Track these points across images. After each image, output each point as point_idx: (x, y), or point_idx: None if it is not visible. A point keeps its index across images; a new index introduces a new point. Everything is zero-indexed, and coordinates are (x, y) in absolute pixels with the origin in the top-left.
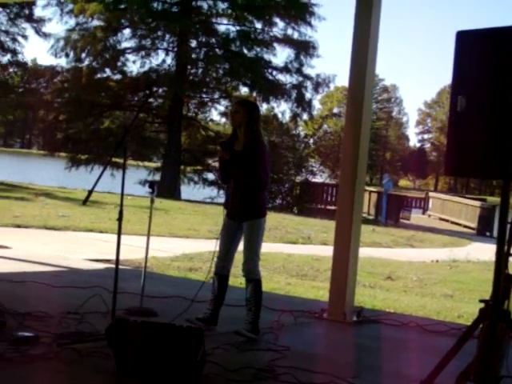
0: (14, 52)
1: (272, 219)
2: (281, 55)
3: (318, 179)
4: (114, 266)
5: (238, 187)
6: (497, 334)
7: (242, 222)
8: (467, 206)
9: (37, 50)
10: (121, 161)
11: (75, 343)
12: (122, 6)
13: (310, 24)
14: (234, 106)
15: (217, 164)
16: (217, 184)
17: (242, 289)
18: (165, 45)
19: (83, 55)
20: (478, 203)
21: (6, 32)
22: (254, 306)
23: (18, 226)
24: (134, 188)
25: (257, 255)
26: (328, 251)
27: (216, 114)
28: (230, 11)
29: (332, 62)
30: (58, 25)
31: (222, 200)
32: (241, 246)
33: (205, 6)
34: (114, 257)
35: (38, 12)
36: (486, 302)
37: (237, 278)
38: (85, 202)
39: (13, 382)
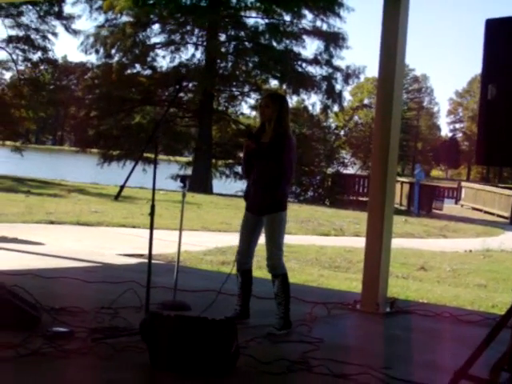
0: (45, 49)
1: (304, 211)
2: (310, 47)
3: (349, 171)
4: (146, 260)
5: (260, 180)
6: None
7: (262, 215)
8: (500, 195)
9: (67, 47)
10: (152, 156)
11: (109, 338)
12: (151, 2)
13: (338, 15)
14: (265, 100)
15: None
16: None
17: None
18: (194, 39)
19: (113, 51)
20: (510, 192)
21: (36, 30)
22: (284, 300)
23: (52, 223)
24: (165, 183)
25: (280, 249)
26: (360, 243)
27: (246, 108)
28: (258, 4)
29: (362, 53)
30: (88, 21)
31: None
32: (262, 240)
33: None
34: (146, 251)
35: (67, 9)
36: None
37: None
38: (117, 197)
39: (48, 377)
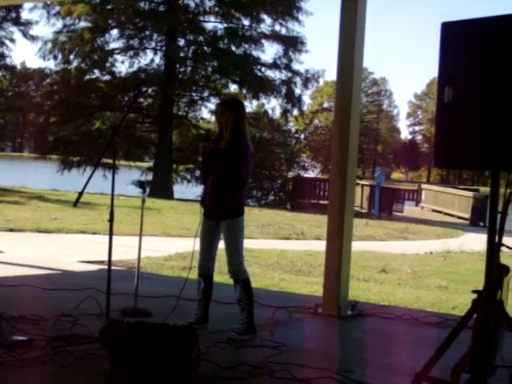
0: (2, 56)
1: (265, 215)
2: (269, 51)
3: (310, 174)
4: (107, 267)
5: (216, 185)
6: (490, 325)
7: (220, 221)
8: (460, 197)
9: (25, 54)
10: (112, 161)
11: (69, 346)
12: (109, 7)
13: (297, 19)
14: (220, 107)
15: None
16: None
17: (232, 285)
18: (153, 44)
19: (71, 57)
20: (470, 194)
21: None
22: (247, 305)
23: (11, 230)
24: (126, 188)
25: (240, 254)
26: (321, 246)
27: (206, 112)
28: (217, 8)
29: (321, 56)
30: (46, 27)
31: None
32: (223, 245)
33: (192, 3)
34: (107, 258)
35: (24, 15)
36: (479, 292)
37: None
38: (75, 203)
39: None
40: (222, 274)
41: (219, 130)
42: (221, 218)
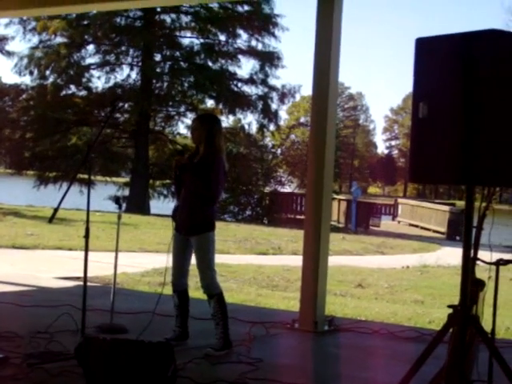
0: None
1: (242, 230)
2: (246, 67)
3: (286, 189)
4: (83, 283)
5: (187, 199)
6: (466, 339)
7: (190, 236)
8: (436, 211)
9: (1, 69)
10: (88, 177)
11: (45, 363)
12: (85, 22)
13: (273, 35)
14: (194, 123)
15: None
16: None
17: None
18: (129, 59)
19: (47, 72)
20: (446, 208)
21: None
22: (222, 320)
23: None
24: (102, 204)
25: (211, 269)
26: (298, 261)
27: (183, 128)
28: (193, 24)
29: (297, 72)
30: (22, 43)
31: None
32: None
33: (168, 19)
34: (83, 274)
35: (0, 30)
36: (455, 307)
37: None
38: (51, 220)
39: None
40: (199, 290)
41: (195, 145)
42: (191, 233)
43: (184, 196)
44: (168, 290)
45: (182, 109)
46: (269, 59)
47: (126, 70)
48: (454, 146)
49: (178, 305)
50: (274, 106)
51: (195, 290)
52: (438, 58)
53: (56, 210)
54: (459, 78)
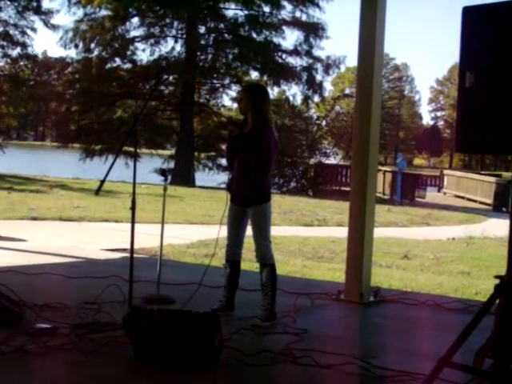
0: (24, 45)
1: (287, 202)
2: (290, 38)
3: (331, 161)
4: (129, 254)
5: (241, 171)
6: None
7: (247, 207)
8: (482, 183)
9: (46, 42)
10: (133, 150)
11: (93, 333)
12: None
13: (317, 5)
14: (240, 93)
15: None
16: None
17: (257, 273)
18: (173, 32)
19: (92, 45)
20: (493, 179)
21: (15, 25)
22: (271, 291)
23: (34, 219)
24: (148, 176)
25: (267, 240)
26: (343, 232)
27: (227, 100)
28: None
29: (342, 43)
30: (66, 16)
31: None
32: (250, 231)
33: None
34: (129, 246)
35: (45, 4)
36: (502, 277)
37: (252, 263)
38: (97, 192)
39: (32, 374)
40: (245, 262)
41: (242, 115)
42: (248, 204)
43: (238, 167)
44: (214, 262)
45: (227, 81)
46: (313, 30)
47: (170, 42)
48: (500, 116)
49: (228, 274)
50: (318, 78)
51: (243, 262)
52: (486, 27)
53: (102, 182)
54: (506, 46)
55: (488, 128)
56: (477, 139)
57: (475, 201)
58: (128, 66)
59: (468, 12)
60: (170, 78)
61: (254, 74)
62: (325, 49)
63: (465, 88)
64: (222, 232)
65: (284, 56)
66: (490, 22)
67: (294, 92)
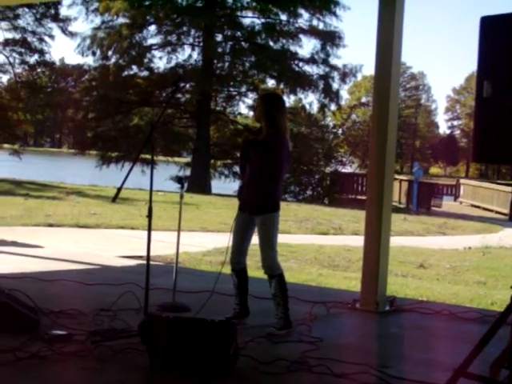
0: (42, 52)
1: (303, 210)
2: (307, 46)
3: (347, 169)
4: (145, 262)
5: (252, 179)
6: None
7: (254, 215)
8: (499, 192)
9: (64, 50)
10: (150, 157)
11: (108, 340)
12: (147, 3)
13: (334, 14)
14: (256, 101)
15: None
16: None
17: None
18: (190, 40)
19: (110, 53)
20: (509, 189)
21: (33, 32)
22: (282, 300)
23: (51, 225)
24: (164, 184)
25: (273, 250)
26: (359, 241)
27: (244, 108)
28: (254, 4)
29: (359, 51)
30: (84, 24)
31: None
32: (256, 240)
33: None
34: (145, 253)
35: (63, 11)
36: None
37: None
38: (114, 199)
39: (47, 380)
40: (260, 270)
41: (257, 123)
42: (255, 213)
43: (250, 174)
44: (227, 269)
45: (243, 89)
46: (330, 38)
47: (187, 50)
48: None
49: (237, 284)
50: (335, 86)
51: (256, 270)
52: (503, 37)
53: (119, 189)
54: None
55: (505, 138)
56: (494, 149)
57: (491, 210)
58: (145, 73)
59: (486, 22)
60: (187, 85)
61: (271, 82)
62: (341, 57)
63: (482, 98)
64: (222, 240)
65: (301, 64)
66: (508, 31)
67: (311, 100)
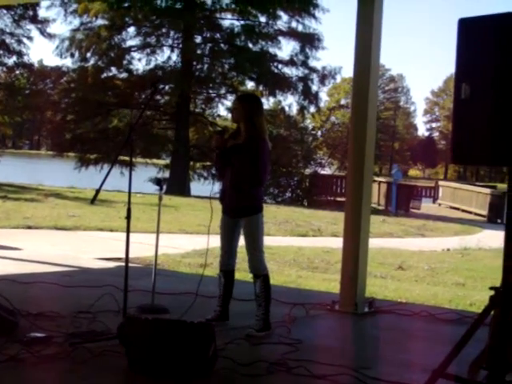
0: (20, 54)
1: (282, 212)
2: (286, 48)
3: (326, 171)
4: (124, 264)
5: (234, 182)
6: (508, 321)
7: (239, 218)
8: (477, 194)
9: (42, 51)
10: (129, 159)
11: (87, 342)
12: (126, 5)
13: (314, 16)
14: (234, 102)
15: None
16: None
17: (251, 283)
18: (170, 42)
19: (88, 55)
20: (488, 190)
21: (11, 34)
22: (265, 301)
23: (29, 228)
24: (143, 186)
25: (260, 251)
26: (338, 243)
27: (223, 109)
28: (233, 6)
29: (338, 53)
30: (63, 25)
31: None
32: (241, 242)
33: (208, 1)
34: (124, 255)
35: (42, 13)
36: (496, 289)
37: (246, 273)
38: (92, 201)
39: (26, 383)
40: (239, 271)
41: (237, 124)
42: (240, 215)
43: (231, 178)
44: (208, 271)
45: (223, 91)
46: (309, 41)
47: (166, 52)
48: (496, 127)
49: (223, 284)
50: (314, 88)
51: (237, 272)
52: (481, 39)
53: (98, 191)
54: (502, 58)
55: (483, 139)
56: (472, 150)
57: (470, 212)
58: (124, 75)
59: (464, 24)
60: (166, 87)
61: (250, 84)
62: (321, 59)
63: (460, 99)
64: (213, 242)
65: (280, 66)
66: (485, 33)
67: (290, 102)
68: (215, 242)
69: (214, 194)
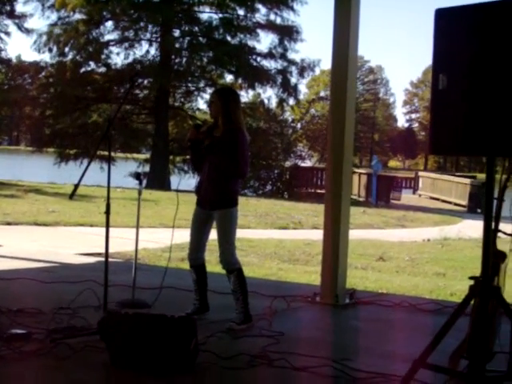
0: None
1: (262, 205)
2: (264, 41)
3: (307, 163)
4: (104, 259)
5: (212, 175)
6: (488, 311)
7: (213, 210)
8: (457, 184)
9: (20, 46)
10: (108, 154)
11: (68, 338)
12: None
13: (292, 8)
14: (211, 96)
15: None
16: None
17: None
18: (148, 35)
19: (66, 49)
20: (467, 180)
21: None
22: (242, 295)
23: (9, 224)
24: (123, 180)
25: (232, 244)
26: (319, 235)
27: (202, 103)
28: None
29: (317, 45)
30: (40, 20)
31: None
32: (213, 236)
33: None
34: (104, 250)
35: (19, 8)
36: (476, 278)
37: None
38: (71, 196)
39: (6, 380)
40: (219, 265)
41: (213, 118)
42: (214, 208)
43: (209, 171)
44: (186, 265)
45: (202, 84)
46: (288, 33)
47: (144, 45)
48: (474, 117)
49: (196, 279)
50: (293, 80)
51: (216, 265)
52: (458, 29)
53: (76, 186)
54: (479, 48)
55: (461, 130)
56: (450, 141)
57: (450, 202)
58: (102, 69)
59: (440, 14)
60: (145, 81)
61: (229, 77)
62: (299, 52)
63: (438, 90)
64: (184, 235)
65: (259, 59)
66: (462, 24)
67: (269, 95)
68: (186, 235)
69: (194, 188)
